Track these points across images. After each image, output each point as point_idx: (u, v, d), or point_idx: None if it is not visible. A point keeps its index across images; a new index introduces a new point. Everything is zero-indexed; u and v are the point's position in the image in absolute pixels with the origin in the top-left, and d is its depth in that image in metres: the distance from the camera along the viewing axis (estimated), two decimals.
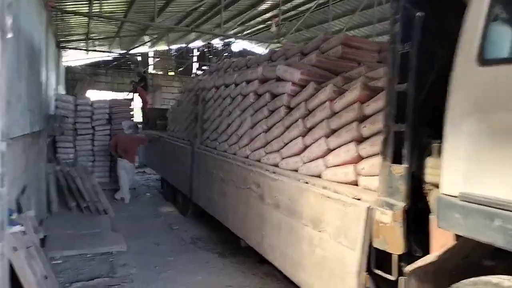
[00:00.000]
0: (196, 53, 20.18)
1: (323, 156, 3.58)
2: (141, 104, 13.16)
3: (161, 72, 19.35)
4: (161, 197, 9.63)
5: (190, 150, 7.13)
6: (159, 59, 19.40)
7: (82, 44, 14.91)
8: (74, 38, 14.07)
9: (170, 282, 4.78)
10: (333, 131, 3.56)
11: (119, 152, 8.93)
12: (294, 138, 4.06)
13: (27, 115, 4.97)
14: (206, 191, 6.28)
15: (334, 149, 3.49)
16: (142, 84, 12.95)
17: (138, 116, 13.14)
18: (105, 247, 5.73)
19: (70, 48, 14.67)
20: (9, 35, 2.90)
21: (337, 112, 3.60)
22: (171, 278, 4.90)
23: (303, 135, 3.93)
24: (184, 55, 19.51)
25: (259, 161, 4.76)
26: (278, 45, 11.71)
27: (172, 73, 19.42)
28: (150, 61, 19.30)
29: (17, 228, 3.61)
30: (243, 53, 17.19)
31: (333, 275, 3.01)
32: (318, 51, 5.04)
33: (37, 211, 5.42)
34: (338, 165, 3.39)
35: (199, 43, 18.09)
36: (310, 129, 3.88)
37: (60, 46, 13.52)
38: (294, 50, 5.65)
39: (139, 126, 11.49)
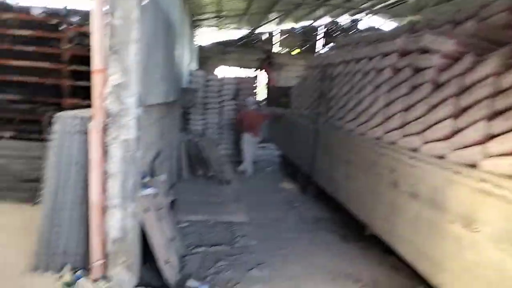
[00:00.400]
0: (321, 31, 19.67)
1: (482, 142, 2.96)
2: (265, 82, 13.30)
3: (285, 51, 19.33)
4: (281, 173, 9.64)
5: (313, 128, 6.86)
6: (284, 37, 19.39)
7: (213, 22, 15.57)
8: (206, 16, 14.74)
9: (289, 260, 4.66)
10: (498, 113, 2.91)
11: (244, 127, 9.13)
12: (442, 120, 3.47)
13: (163, 85, 5.24)
14: (329, 171, 5.98)
15: (499, 134, 2.85)
16: (268, 62, 13.03)
17: (261, 94, 13.32)
18: (228, 217, 5.88)
19: (202, 26, 15.46)
20: (146, 1, 2.93)
21: (505, 90, 2.92)
22: (290, 256, 4.78)
23: (455, 116, 3.32)
24: (308, 34, 19.16)
25: (393, 143, 4.26)
26: (417, 17, 10.54)
27: (297, 52, 19.23)
28: (276, 39, 19.41)
29: (150, 191, 3.81)
30: (371, 31, 16.08)
31: (490, 286, 2.47)
32: (475, 19, 4.24)
33: (168, 176, 5.77)
34: (503, 155, 2.76)
35: (326, 20, 17.48)
36: (464, 110, 3.26)
37: (194, 25, 14.32)
38: (441, 19, 4.88)
39: (263, 103, 11.64)
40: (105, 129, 3.04)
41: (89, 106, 7.37)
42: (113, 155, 3.02)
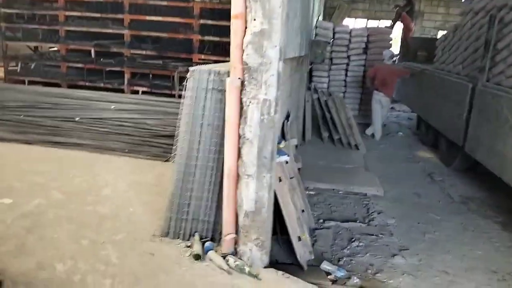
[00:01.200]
0: None
1: None
2: (401, 33, 11.78)
3: None
4: (415, 138, 8.53)
5: (469, 88, 5.66)
6: None
7: None
8: None
9: (438, 248, 3.90)
10: None
11: (376, 85, 8.13)
12: None
13: (297, 37, 4.64)
14: (491, 142, 4.86)
15: None
16: (407, 10, 11.43)
17: (395, 47, 11.87)
18: (360, 187, 5.25)
19: None
20: None
21: None
22: (440, 243, 4.01)
23: None
24: None
25: None
26: None
27: None
28: None
29: (284, 158, 3.35)
30: None
31: None
32: None
33: None
34: None
35: None
36: None
37: None
38: None
39: (396, 57, 10.33)
40: (242, 86, 2.60)
41: (220, 61, 7.22)
42: (250, 117, 2.59)
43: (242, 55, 2.58)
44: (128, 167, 4.80)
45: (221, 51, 8.46)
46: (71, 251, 2.87)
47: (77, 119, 6.07)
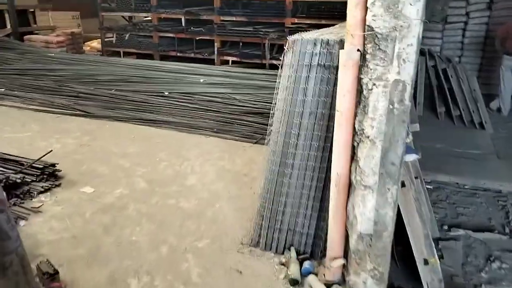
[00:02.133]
0: None
1: None
2: None
3: None
4: None
5: None
6: None
7: None
8: None
9: None
10: None
11: (507, 47, 6.58)
12: None
13: None
14: None
15: None
16: None
17: None
18: (493, 182, 4.17)
19: None
20: None
21: None
22: None
23: None
24: None
25: None
26: None
27: None
28: None
29: (412, 156, 2.54)
30: None
31: None
32: None
33: None
34: None
35: None
36: None
37: None
38: None
39: None
40: (363, 62, 1.84)
41: (317, 26, 6.36)
42: (373, 105, 1.83)
43: (365, 15, 1.80)
44: (217, 149, 4.34)
45: (317, 13, 7.55)
46: (148, 262, 2.46)
47: (166, 93, 5.78)
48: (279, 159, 2.35)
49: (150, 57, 9.03)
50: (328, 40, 2.09)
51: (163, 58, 8.91)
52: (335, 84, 2.14)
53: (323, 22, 7.56)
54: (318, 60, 2.13)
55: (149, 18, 9.14)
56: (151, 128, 4.93)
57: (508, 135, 5.84)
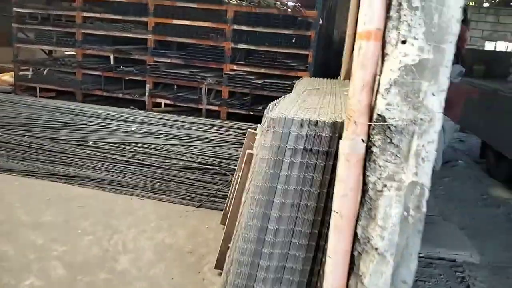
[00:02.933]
0: None
1: None
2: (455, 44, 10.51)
3: (471, 4, 15.45)
4: (480, 169, 7.27)
5: None
6: None
7: None
8: None
9: None
10: None
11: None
12: None
13: None
14: None
15: None
16: (462, 18, 10.17)
17: None
18: (447, 251, 4.06)
19: None
20: None
21: None
22: None
23: None
24: None
25: None
26: None
27: (487, 5, 15.21)
28: None
29: None
30: None
31: None
32: None
33: None
34: None
35: None
36: None
37: None
38: None
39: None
40: (368, 156, 1.48)
41: (254, 73, 6.09)
42: (383, 211, 1.47)
43: (372, 101, 1.46)
44: (153, 216, 3.71)
45: (257, 61, 7.38)
46: None
47: (91, 142, 5.04)
48: (249, 259, 1.88)
49: (70, 94, 8.13)
50: (317, 121, 1.72)
51: (86, 96, 8.07)
52: (324, 172, 1.76)
53: (263, 71, 7.42)
54: (304, 144, 1.75)
55: (73, 53, 8.30)
56: (71, 187, 4.16)
57: (444, 192, 5.95)
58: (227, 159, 4.91)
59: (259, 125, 3.82)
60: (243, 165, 2.73)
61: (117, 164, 4.64)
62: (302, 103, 2.19)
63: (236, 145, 5.20)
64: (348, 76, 4.91)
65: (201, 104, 7.61)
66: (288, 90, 7.51)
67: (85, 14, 7.88)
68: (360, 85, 1.47)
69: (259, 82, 7.32)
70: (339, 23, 11.91)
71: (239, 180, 2.87)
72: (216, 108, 7.62)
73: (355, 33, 4.45)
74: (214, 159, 4.87)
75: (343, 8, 12.34)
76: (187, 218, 3.76)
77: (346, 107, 1.54)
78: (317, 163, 1.75)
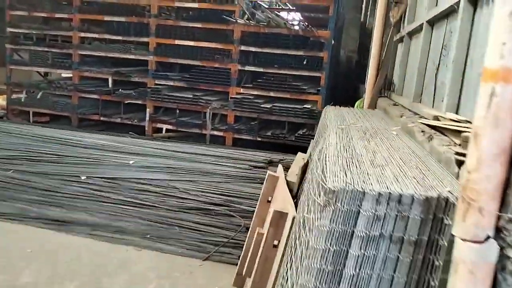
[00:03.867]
0: None
1: None
2: None
3: None
4: None
5: None
6: None
7: None
8: None
9: None
10: None
11: None
12: None
13: None
14: None
15: None
16: None
17: None
18: None
19: None
20: None
21: None
22: None
23: None
24: None
25: None
26: None
27: None
28: None
29: None
30: None
31: None
32: None
33: None
34: None
35: None
36: None
37: None
38: None
39: None
40: (502, 265, 0.92)
41: (262, 96, 5.56)
42: None
43: (509, 176, 0.91)
44: (153, 274, 3.12)
45: (265, 84, 6.88)
46: None
47: (83, 178, 4.48)
48: None
49: (66, 119, 7.62)
50: (401, 196, 1.17)
51: (83, 121, 7.56)
52: (410, 271, 1.19)
53: (272, 94, 6.92)
54: (381, 229, 1.19)
55: (69, 75, 7.81)
56: (59, 235, 3.58)
57: None
58: (237, 196, 4.35)
59: (279, 165, 3.29)
60: (268, 225, 2.17)
61: (113, 205, 4.07)
62: (354, 153, 1.64)
63: (247, 180, 4.64)
64: (373, 105, 4.38)
65: (205, 129, 7.09)
66: (299, 115, 7.05)
67: (82, 34, 7.45)
68: (492, 153, 0.92)
69: (268, 106, 6.81)
70: (346, 42, 11.54)
71: (262, 241, 2.30)
72: (221, 133, 7.10)
73: (380, 54, 3.87)
74: (222, 197, 4.31)
75: (350, 27, 12.03)
76: (193, 275, 3.16)
77: (462, 184, 0.99)
78: (400, 257, 1.18)
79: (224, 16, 6.69)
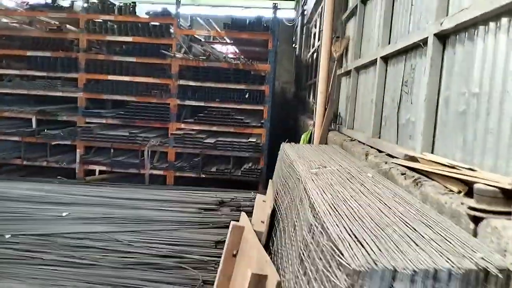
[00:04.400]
0: None
1: None
2: None
3: None
4: None
5: None
6: None
7: None
8: None
9: None
10: None
11: None
12: None
13: None
14: None
15: None
16: None
17: None
18: None
19: None
20: None
21: None
22: None
23: None
24: None
25: None
26: None
27: None
28: None
29: None
30: None
31: None
32: None
33: None
34: None
35: None
36: None
37: None
38: None
39: None
40: None
41: (205, 131, 5.29)
42: None
43: None
44: None
45: (207, 118, 6.64)
46: None
47: (7, 237, 3.84)
48: None
49: None
50: (436, 271, 0.98)
51: (2, 166, 6.71)
52: None
53: (215, 128, 6.69)
54: None
55: None
56: None
57: None
58: (188, 245, 3.98)
59: (242, 213, 3.03)
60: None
61: (45, 267, 3.49)
62: (347, 207, 1.46)
63: (197, 226, 4.29)
64: (324, 140, 4.33)
65: (143, 169, 6.63)
66: (244, 149, 6.86)
67: (1, 71, 6.71)
68: None
69: (211, 141, 6.55)
70: (279, 74, 11.77)
71: None
72: (161, 172, 6.68)
73: (327, 89, 3.84)
74: (171, 247, 3.91)
75: (283, 59, 12.34)
76: None
77: None
78: None
79: (162, 51, 6.41)
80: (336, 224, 1.28)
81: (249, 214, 3.74)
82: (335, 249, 1.10)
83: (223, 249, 3.95)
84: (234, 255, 2.55)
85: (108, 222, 4.16)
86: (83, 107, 6.69)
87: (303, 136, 5.47)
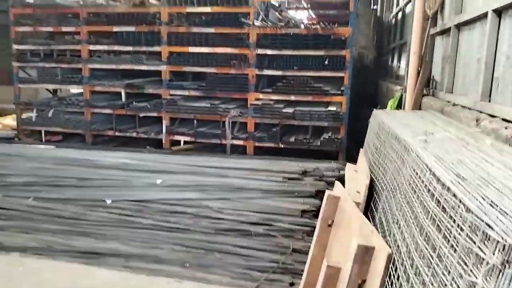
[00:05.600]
0: None
1: None
2: None
3: None
4: None
5: None
6: None
7: None
8: None
9: None
10: None
11: None
12: None
13: None
14: None
15: None
16: None
17: None
18: None
19: None
20: None
21: None
22: None
23: None
24: None
25: None
26: None
27: None
28: None
29: None
30: None
31: None
32: None
33: None
34: None
35: None
36: None
37: None
38: None
39: None
40: None
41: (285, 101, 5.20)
42: None
43: None
44: None
45: (285, 88, 6.54)
46: None
47: (108, 202, 4.17)
48: None
49: (79, 137, 7.34)
50: None
51: (97, 137, 7.28)
52: None
53: (293, 98, 6.58)
54: None
55: (80, 91, 7.53)
56: (90, 269, 3.27)
57: None
58: (275, 213, 4.02)
59: (337, 182, 2.96)
60: (351, 261, 1.83)
61: (145, 230, 3.76)
62: (475, 177, 1.31)
63: (282, 195, 4.30)
64: (417, 106, 4.04)
65: (224, 139, 6.77)
66: (323, 118, 6.70)
67: (91, 47, 7.15)
68: None
69: (290, 110, 6.47)
70: (356, 38, 11.20)
71: (339, 278, 1.97)
72: (241, 142, 6.77)
73: (421, 48, 3.51)
74: (259, 215, 3.98)
75: (360, 22, 11.68)
76: None
77: None
78: None
79: (242, 19, 6.37)
80: (473, 195, 1.16)
81: (331, 184, 3.65)
82: (485, 225, 0.98)
83: (308, 218, 3.96)
84: (330, 225, 2.50)
85: (199, 190, 4.33)
86: (167, 80, 6.93)
87: (390, 103, 5.18)
